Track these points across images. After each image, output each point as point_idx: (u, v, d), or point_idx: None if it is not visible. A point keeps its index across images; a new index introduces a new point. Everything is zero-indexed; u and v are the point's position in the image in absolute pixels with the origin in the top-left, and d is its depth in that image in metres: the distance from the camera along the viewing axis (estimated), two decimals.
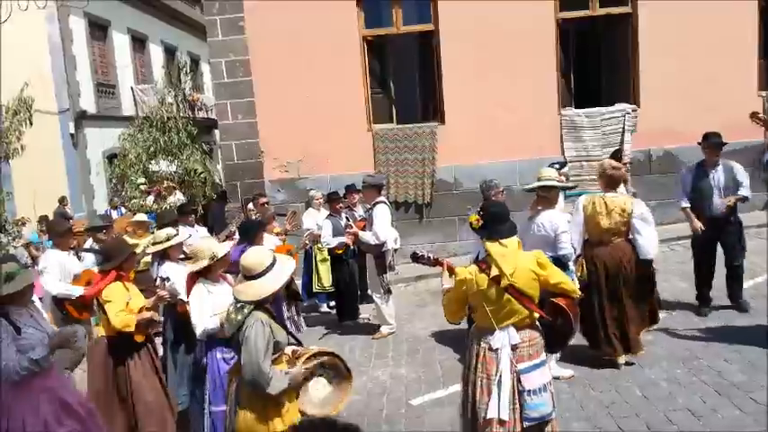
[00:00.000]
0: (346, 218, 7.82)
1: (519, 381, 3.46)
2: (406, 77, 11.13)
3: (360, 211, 8.52)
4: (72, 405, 3.81)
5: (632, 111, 10.14)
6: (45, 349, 3.66)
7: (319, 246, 7.97)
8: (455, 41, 10.07)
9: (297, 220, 8.04)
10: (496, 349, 3.49)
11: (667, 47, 9.89)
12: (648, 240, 5.37)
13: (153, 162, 10.56)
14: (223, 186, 12.58)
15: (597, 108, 10.26)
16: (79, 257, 6.60)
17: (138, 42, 20.92)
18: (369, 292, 7.49)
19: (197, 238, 7.43)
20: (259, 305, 3.39)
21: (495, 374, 3.48)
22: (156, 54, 21.81)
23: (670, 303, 6.94)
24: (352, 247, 7.57)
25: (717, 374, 5.16)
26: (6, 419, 3.56)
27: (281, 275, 3.45)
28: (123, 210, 12.44)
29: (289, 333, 3.59)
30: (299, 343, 3.82)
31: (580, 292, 3.68)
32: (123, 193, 11.23)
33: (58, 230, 6.33)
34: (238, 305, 3.42)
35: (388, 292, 7.32)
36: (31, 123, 11.10)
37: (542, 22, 9.98)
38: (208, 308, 4.29)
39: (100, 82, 18.65)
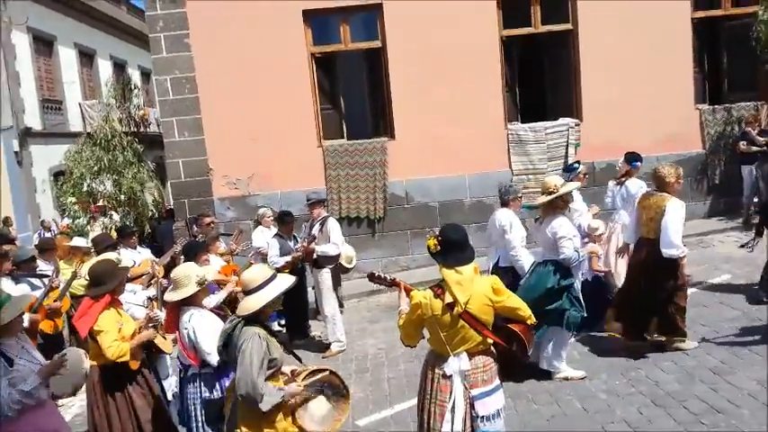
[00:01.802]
0: (294, 237, 7.77)
1: (473, 407, 3.47)
2: (355, 93, 11.18)
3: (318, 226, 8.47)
4: None
5: (575, 125, 10.40)
6: (36, 379, 3.50)
7: (267, 265, 7.89)
8: (402, 58, 10.18)
9: (243, 239, 7.95)
10: (450, 375, 3.50)
11: (608, 63, 10.20)
12: (667, 237, 5.43)
13: (97, 181, 10.29)
14: (167, 205, 12.35)
15: (542, 123, 10.50)
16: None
17: (86, 57, 20.45)
18: (321, 310, 7.44)
19: (140, 260, 7.28)
20: (257, 320, 3.38)
21: (449, 401, 3.49)
22: (105, 69, 21.34)
23: None
24: (299, 265, 7.53)
25: (654, 384, 5.29)
26: None
27: (275, 288, 3.42)
28: (56, 229, 12.00)
29: (288, 351, 3.54)
30: (299, 360, 3.77)
31: (534, 319, 3.69)
32: (67, 214, 10.91)
33: None
34: (233, 322, 3.41)
35: (341, 306, 7.37)
36: None
37: (487, 39, 10.17)
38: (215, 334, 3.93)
39: (46, 98, 18.13)
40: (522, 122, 10.70)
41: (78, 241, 7.48)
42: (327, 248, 7.06)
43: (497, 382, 3.60)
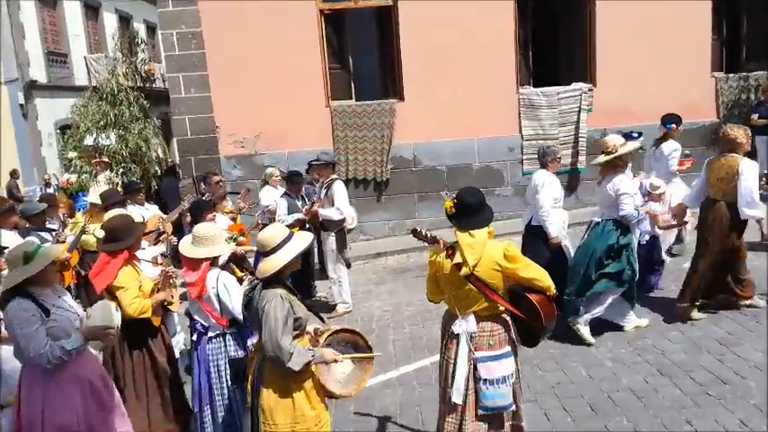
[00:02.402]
0: (302, 197, 7.74)
1: (476, 369, 3.50)
2: (365, 53, 10.95)
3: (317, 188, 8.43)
4: (102, 392, 3.67)
5: (588, 90, 10.22)
6: (80, 339, 3.48)
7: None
8: (413, 17, 9.93)
9: (250, 198, 7.90)
10: (457, 335, 3.54)
11: (624, 27, 9.95)
12: (748, 197, 5.41)
13: (103, 136, 10.20)
14: (170, 161, 12.24)
15: (554, 87, 10.30)
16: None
17: (91, 10, 20.14)
18: (327, 271, 7.43)
19: (148, 216, 7.25)
20: (278, 281, 3.32)
21: (453, 360, 3.55)
22: (111, 22, 21.01)
23: None
24: (307, 225, 7.50)
25: (660, 354, 5.28)
26: (41, 410, 3.41)
27: (294, 248, 3.35)
28: (57, 184, 11.89)
29: (311, 310, 3.49)
30: (322, 320, 3.74)
31: (554, 291, 3.61)
32: (72, 169, 10.85)
33: (2, 209, 6.07)
34: (252, 283, 3.36)
35: (348, 266, 7.35)
36: None
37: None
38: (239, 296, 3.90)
39: (51, 51, 17.93)
40: (535, 87, 10.50)
41: (94, 198, 7.41)
42: (330, 213, 7.01)
43: (507, 348, 3.58)
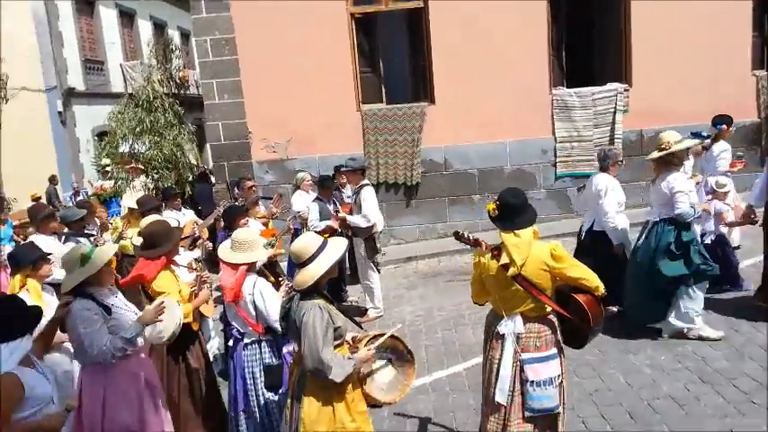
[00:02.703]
0: (333, 202, 7.77)
1: (522, 370, 3.48)
2: (395, 56, 10.95)
3: (348, 192, 8.45)
4: (155, 391, 3.79)
5: (624, 90, 10.02)
6: (138, 327, 3.58)
7: (307, 229, 7.89)
8: (444, 19, 9.89)
9: (283, 203, 7.95)
10: (502, 335, 3.53)
11: (660, 25, 9.74)
12: None
13: (140, 142, 10.40)
14: (202, 167, 12.39)
15: (589, 87, 10.13)
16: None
17: (127, 18, 20.55)
18: (359, 276, 7.44)
19: (184, 221, 7.35)
20: (316, 291, 3.28)
21: (498, 360, 3.54)
22: (145, 30, 21.43)
23: None
24: (338, 230, 7.51)
25: (701, 360, 5.14)
26: (102, 410, 3.51)
27: (330, 257, 3.30)
28: (89, 190, 12.11)
29: (349, 317, 3.47)
30: (360, 327, 3.69)
31: (603, 291, 3.56)
32: (108, 176, 11.08)
33: (39, 216, 6.21)
34: (290, 293, 3.35)
35: (378, 272, 7.34)
36: (7, 100, 10.85)
37: None
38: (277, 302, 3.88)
39: (88, 58, 18.35)
40: (568, 87, 10.35)
41: (130, 202, 7.55)
42: (357, 220, 6.97)
43: (553, 350, 3.56)
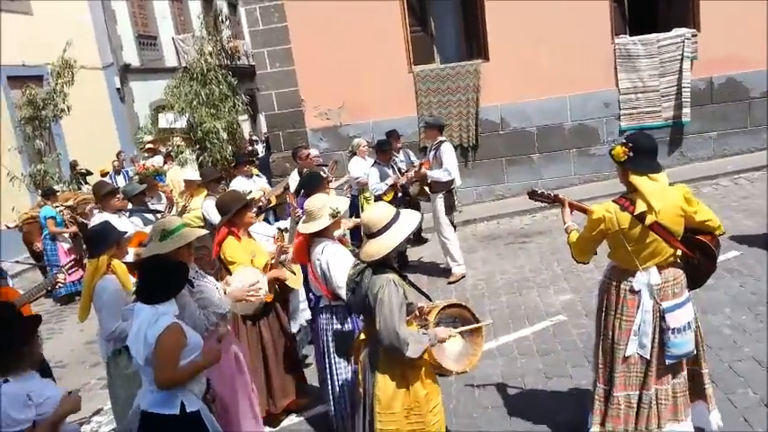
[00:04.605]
0: (392, 166, 7.71)
1: (663, 319, 3.39)
2: (446, 13, 10.59)
3: (401, 157, 8.36)
4: (243, 362, 3.95)
5: (692, 36, 9.43)
6: (228, 302, 3.72)
7: (366, 195, 7.87)
8: None
9: (338, 169, 7.92)
10: (638, 290, 3.41)
11: None
12: None
13: (196, 115, 10.53)
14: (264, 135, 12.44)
15: (654, 34, 9.58)
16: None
17: None
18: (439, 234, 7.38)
19: (255, 188, 7.43)
20: (387, 264, 3.19)
21: (636, 315, 3.43)
22: (194, 2, 21.54)
23: (732, 242, 6.57)
24: (399, 193, 7.49)
25: None
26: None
27: (402, 229, 3.18)
28: (131, 172, 12.35)
29: (419, 290, 3.41)
30: (429, 299, 3.61)
31: (723, 230, 3.50)
32: (172, 149, 11.30)
33: (102, 193, 6.36)
34: (357, 266, 3.29)
35: (454, 229, 7.31)
36: (73, 83, 11.15)
37: None
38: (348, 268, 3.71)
39: (140, 34, 18.61)
40: (631, 35, 9.77)
41: (190, 174, 7.67)
42: (439, 174, 6.93)
43: (687, 293, 3.46)
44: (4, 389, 2.75)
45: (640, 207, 3.27)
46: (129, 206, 6.83)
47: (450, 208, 7.13)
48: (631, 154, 3.31)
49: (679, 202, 3.33)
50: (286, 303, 4.91)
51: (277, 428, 4.74)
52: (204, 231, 3.95)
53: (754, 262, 6.07)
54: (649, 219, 3.25)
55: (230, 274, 4.24)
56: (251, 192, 6.57)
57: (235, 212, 4.47)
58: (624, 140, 3.41)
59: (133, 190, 7.07)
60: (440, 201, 7.09)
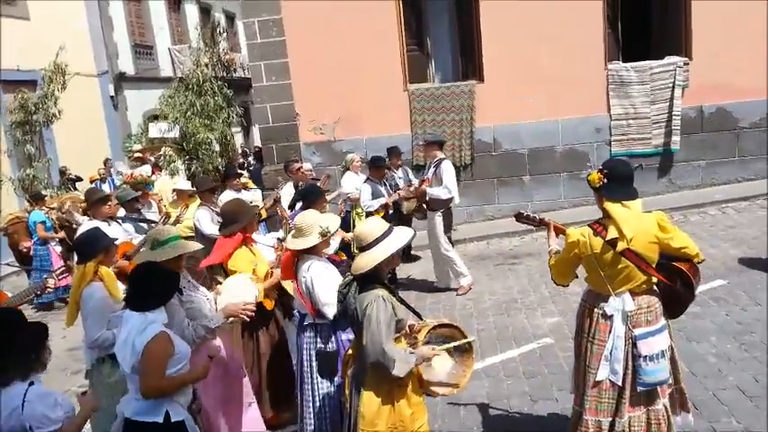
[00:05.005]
0: (384, 183, 7.72)
1: (635, 346, 3.39)
2: (442, 33, 10.70)
3: (400, 174, 8.39)
4: (238, 370, 3.96)
5: (684, 64, 9.57)
6: (220, 318, 3.71)
7: (358, 211, 7.87)
8: None
9: (330, 184, 7.93)
10: (610, 316, 3.41)
11: None
12: None
13: (190, 125, 10.54)
14: (255, 148, 12.45)
15: (647, 62, 9.71)
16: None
17: (173, 2, 20.77)
18: (435, 252, 7.40)
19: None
20: (376, 279, 3.17)
21: (608, 340, 3.43)
22: (192, 13, 21.63)
23: (719, 271, 6.62)
24: (390, 211, 7.50)
25: None
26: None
27: (393, 244, 3.15)
28: (117, 181, 12.28)
29: (409, 308, 3.39)
30: (419, 317, 3.55)
31: (702, 257, 3.49)
32: (162, 159, 11.28)
33: (93, 199, 6.30)
34: (347, 279, 3.27)
35: (452, 245, 7.37)
36: (65, 88, 11.12)
37: None
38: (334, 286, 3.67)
39: (137, 43, 18.63)
40: (624, 62, 9.94)
41: (182, 184, 7.64)
42: (438, 192, 6.96)
43: (663, 322, 3.45)
44: (35, 390, 2.77)
45: (612, 233, 3.28)
46: (122, 212, 6.79)
47: (448, 226, 7.17)
48: (606, 180, 3.34)
49: (653, 230, 3.33)
50: (288, 310, 4.84)
51: None
52: (198, 246, 3.93)
53: (741, 291, 6.10)
54: (620, 246, 3.26)
55: (220, 284, 4.23)
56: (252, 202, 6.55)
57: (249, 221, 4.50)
58: (601, 167, 3.44)
59: (127, 195, 7.03)
60: (438, 219, 7.12)
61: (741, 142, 9.77)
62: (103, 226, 5.82)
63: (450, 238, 7.27)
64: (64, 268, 4.63)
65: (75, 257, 4.18)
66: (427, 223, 7.30)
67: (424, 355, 3.22)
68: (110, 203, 6.48)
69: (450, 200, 7.07)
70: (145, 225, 6.56)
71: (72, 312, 4.04)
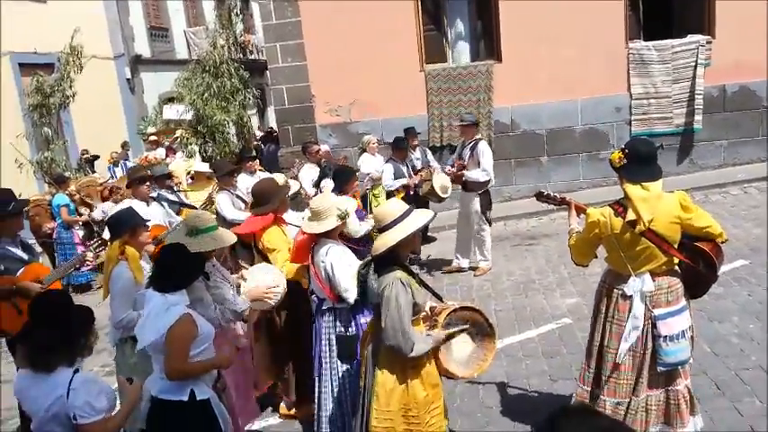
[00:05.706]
0: (406, 164, 7.72)
1: (655, 326, 3.37)
2: (460, 13, 10.56)
3: (417, 155, 8.36)
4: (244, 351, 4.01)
5: (706, 42, 9.38)
6: (246, 303, 3.77)
7: (375, 192, 7.85)
8: None
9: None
10: (630, 296, 3.40)
11: None
12: None
13: (207, 108, 10.54)
14: (269, 128, 12.43)
15: (668, 40, 9.53)
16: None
17: None
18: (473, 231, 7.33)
19: None
20: (395, 261, 3.15)
21: (627, 320, 3.42)
22: None
23: (741, 251, 6.54)
24: (411, 192, 7.49)
25: None
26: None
27: (411, 224, 3.12)
28: (129, 164, 12.30)
29: (429, 290, 3.37)
30: (440, 299, 3.53)
31: (726, 237, 3.45)
32: (179, 141, 11.32)
33: (132, 177, 6.30)
34: (366, 260, 3.26)
35: (489, 224, 7.33)
36: (81, 71, 11.14)
37: None
38: (353, 271, 3.64)
39: (153, 26, 18.64)
40: (646, 40, 9.76)
41: (200, 166, 7.64)
42: (476, 174, 6.92)
43: (683, 302, 3.42)
44: (80, 377, 2.70)
45: (630, 215, 3.25)
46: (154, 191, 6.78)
47: (487, 206, 7.15)
48: (626, 161, 3.29)
49: (674, 210, 3.28)
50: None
51: (263, 427, 4.71)
52: (234, 238, 3.91)
53: (763, 271, 6.02)
54: (638, 228, 3.23)
55: (266, 260, 4.26)
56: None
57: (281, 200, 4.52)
58: (623, 147, 3.39)
59: (161, 170, 7.06)
60: (476, 200, 7.09)
61: (764, 121, 9.60)
62: (141, 206, 5.79)
63: (489, 218, 7.24)
64: (99, 242, 4.66)
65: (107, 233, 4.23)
66: (461, 202, 7.28)
67: (439, 340, 3.20)
68: (148, 183, 6.44)
69: (488, 182, 7.04)
70: (173, 210, 6.57)
71: (107, 287, 4.08)
